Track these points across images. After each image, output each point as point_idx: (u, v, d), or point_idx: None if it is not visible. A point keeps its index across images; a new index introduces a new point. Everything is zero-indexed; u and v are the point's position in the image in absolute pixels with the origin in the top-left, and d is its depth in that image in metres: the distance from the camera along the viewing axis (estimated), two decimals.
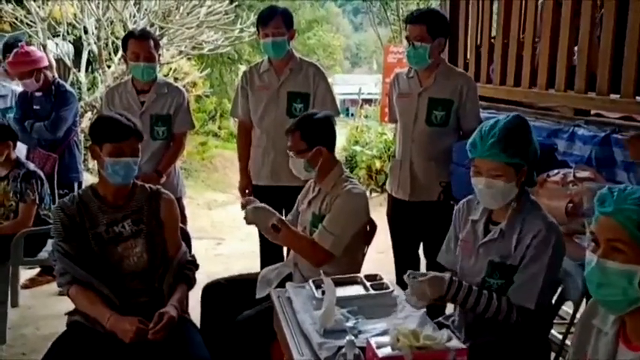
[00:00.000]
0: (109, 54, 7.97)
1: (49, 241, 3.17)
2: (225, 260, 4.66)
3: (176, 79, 8.60)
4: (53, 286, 3.64)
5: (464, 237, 1.99)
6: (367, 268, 2.43)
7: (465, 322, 1.93)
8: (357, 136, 9.66)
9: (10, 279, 3.28)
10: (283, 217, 2.34)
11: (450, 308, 2.24)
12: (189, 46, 8.70)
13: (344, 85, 21.35)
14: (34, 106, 3.88)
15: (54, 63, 4.73)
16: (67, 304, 2.10)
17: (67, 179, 3.93)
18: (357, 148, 9.06)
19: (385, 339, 1.54)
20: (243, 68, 5.72)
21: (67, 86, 4.12)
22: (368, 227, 2.61)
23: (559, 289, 2.00)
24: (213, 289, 2.50)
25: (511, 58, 3.86)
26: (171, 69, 9.06)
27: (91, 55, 8.10)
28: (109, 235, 2.07)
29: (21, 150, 3.82)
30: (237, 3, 10.39)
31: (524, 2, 3.77)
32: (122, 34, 5.43)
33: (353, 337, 1.58)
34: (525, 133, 1.85)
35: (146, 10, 7.88)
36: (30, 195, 3.22)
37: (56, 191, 3.79)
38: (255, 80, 3.16)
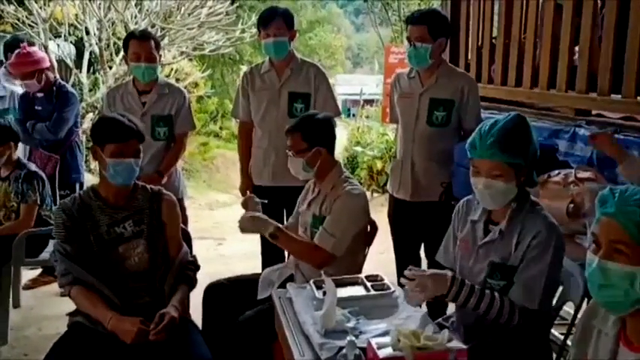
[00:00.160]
0: (111, 55, 7.98)
1: (51, 242, 3.18)
2: (226, 261, 4.66)
3: (177, 80, 8.62)
4: (55, 287, 3.65)
5: (463, 237, 1.99)
6: (368, 268, 2.43)
7: (464, 323, 1.92)
8: (359, 136, 9.66)
9: (11, 279, 3.28)
10: (280, 225, 2.33)
11: (450, 308, 2.24)
12: (190, 47, 8.71)
13: (345, 85, 21.35)
14: (36, 107, 3.88)
15: (55, 64, 4.74)
16: (69, 305, 2.10)
17: (68, 180, 3.93)
18: (359, 148, 9.06)
19: (386, 339, 1.54)
20: (244, 69, 5.72)
21: (69, 87, 4.12)
22: (369, 228, 2.61)
23: (559, 290, 2.00)
24: (215, 290, 2.51)
25: (512, 59, 3.87)
26: (172, 70, 9.07)
27: (93, 55, 8.12)
28: (110, 235, 2.07)
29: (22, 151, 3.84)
30: (238, 4, 10.41)
31: (525, 3, 3.77)
32: (124, 34, 5.42)
33: (354, 338, 1.59)
34: (525, 132, 1.84)
35: (147, 10, 7.89)
36: (31, 196, 3.23)
37: (57, 192, 3.80)
38: (256, 81, 3.16)
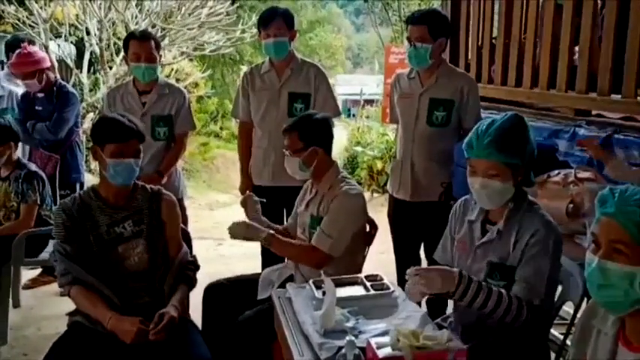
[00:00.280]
0: (111, 55, 7.99)
1: (51, 242, 3.18)
2: (226, 261, 4.66)
3: (178, 80, 8.62)
4: (54, 287, 3.65)
5: (460, 238, 1.98)
6: (368, 268, 2.43)
7: (462, 323, 1.92)
8: (359, 136, 9.67)
9: (11, 279, 3.28)
10: (271, 231, 2.33)
11: (449, 308, 2.24)
12: (190, 47, 8.72)
13: (345, 85, 21.36)
14: (36, 107, 3.88)
15: (56, 64, 4.75)
16: (69, 305, 2.11)
17: (68, 180, 3.94)
18: (359, 148, 9.06)
19: (385, 339, 1.54)
20: (244, 69, 5.73)
21: (69, 87, 4.12)
22: (368, 228, 2.61)
23: (559, 289, 2.00)
24: (215, 290, 2.51)
25: (512, 59, 3.87)
26: (172, 70, 9.08)
27: (93, 56, 8.13)
28: (109, 235, 2.07)
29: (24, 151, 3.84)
30: (238, 4, 10.42)
31: (525, 3, 3.77)
32: (124, 35, 5.42)
33: (353, 338, 1.58)
34: (522, 132, 1.83)
35: (148, 11, 7.89)
36: (31, 196, 3.23)
37: (58, 192, 3.80)
38: (256, 81, 3.16)
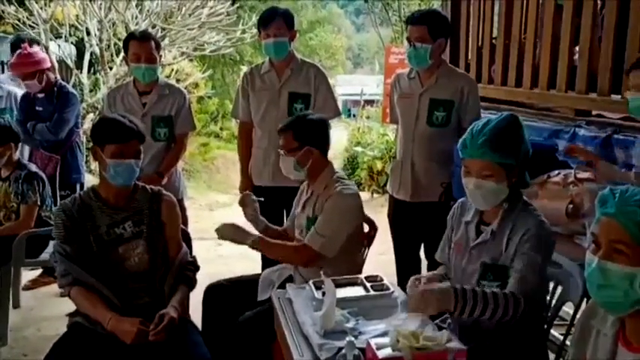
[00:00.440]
0: (111, 55, 8.00)
1: (51, 243, 3.18)
2: (226, 261, 4.66)
3: (178, 81, 8.63)
4: (54, 288, 3.65)
5: (457, 239, 1.98)
6: (368, 269, 2.43)
7: (460, 324, 1.92)
8: (359, 136, 9.67)
9: (11, 280, 3.28)
10: (259, 234, 2.32)
11: None
12: (190, 48, 8.72)
13: (346, 85, 21.36)
14: (37, 108, 3.88)
15: (56, 64, 4.75)
16: (69, 306, 2.11)
17: (69, 180, 3.94)
18: (359, 148, 9.07)
19: (385, 340, 1.54)
20: (244, 69, 5.73)
21: (70, 87, 4.12)
22: (368, 228, 2.61)
23: (559, 290, 2.00)
24: (215, 291, 2.51)
25: (512, 59, 3.87)
26: (173, 70, 9.08)
27: (93, 56, 8.13)
28: (109, 236, 2.07)
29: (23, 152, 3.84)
30: (238, 4, 10.42)
31: (525, 3, 3.77)
32: (124, 35, 5.41)
33: (353, 338, 1.58)
34: (517, 132, 1.82)
35: (148, 11, 7.90)
36: (31, 196, 3.23)
37: (58, 192, 3.80)
38: (256, 81, 3.16)
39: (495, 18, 4.16)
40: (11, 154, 3.27)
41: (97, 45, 7.80)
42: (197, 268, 2.25)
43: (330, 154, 3.24)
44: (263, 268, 2.71)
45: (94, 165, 6.86)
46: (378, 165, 8.21)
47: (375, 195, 8.19)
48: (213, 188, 10.59)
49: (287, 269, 2.45)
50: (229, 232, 2.27)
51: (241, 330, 2.22)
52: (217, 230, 2.29)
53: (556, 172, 2.76)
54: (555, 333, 2.22)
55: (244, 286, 2.47)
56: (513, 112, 1.93)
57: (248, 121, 3.22)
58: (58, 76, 4.22)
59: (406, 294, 1.98)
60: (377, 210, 5.89)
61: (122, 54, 5.38)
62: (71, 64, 7.86)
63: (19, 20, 7.53)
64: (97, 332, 1.96)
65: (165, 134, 3.22)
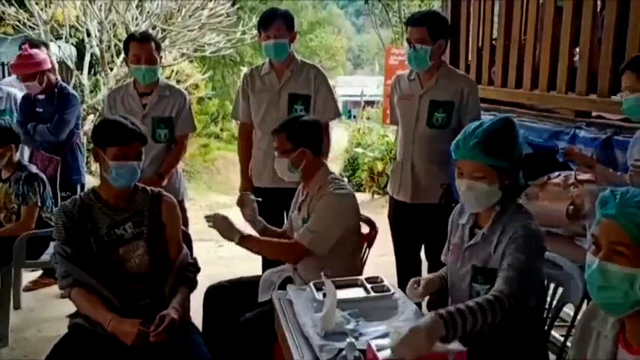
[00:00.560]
0: (112, 56, 8.01)
1: (52, 244, 3.17)
2: (226, 263, 4.66)
3: (178, 82, 8.64)
4: (55, 289, 3.65)
5: (454, 241, 1.99)
6: (369, 270, 2.43)
7: None
8: (359, 138, 9.68)
9: (12, 281, 3.28)
10: (246, 232, 2.30)
11: None
12: (191, 49, 8.73)
13: (346, 86, 21.38)
14: (37, 109, 3.89)
15: (56, 65, 4.76)
16: (69, 307, 2.11)
17: (69, 182, 3.94)
18: (359, 150, 9.07)
19: (386, 341, 1.54)
20: (244, 70, 5.73)
21: (70, 89, 4.12)
22: (369, 229, 2.61)
23: (559, 291, 2.00)
24: (216, 292, 2.51)
25: (512, 60, 3.87)
26: (173, 71, 9.09)
27: (94, 57, 8.14)
28: (110, 237, 2.07)
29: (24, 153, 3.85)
30: (238, 5, 10.42)
31: (525, 4, 3.77)
32: (124, 36, 5.42)
33: (353, 340, 1.59)
34: (510, 135, 1.81)
35: (148, 12, 7.91)
36: (32, 198, 3.23)
37: (58, 194, 3.81)
38: (256, 82, 3.16)
39: (495, 19, 4.17)
40: (12, 156, 3.27)
41: (98, 46, 7.81)
42: (198, 269, 2.25)
43: (331, 155, 3.25)
44: (264, 270, 2.71)
45: (95, 166, 6.87)
46: (379, 166, 8.22)
47: (375, 196, 8.19)
48: (214, 189, 10.61)
49: (287, 271, 2.45)
50: (220, 224, 2.26)
51: (242, 331, 2.22)
52: (209, 217, 2.29)
53: (556, 173, 2.77)
54: (556, 334, 2.22)
55: (245, 287, 2.47)
56: (509, 115, 1.92)
57: (248, 122, 3.22)
58: (59, 78, 4.22)
59: (405, 295, 1.99)
60: (377, 211, 5.89)
61: (122, 55, 5.39)
62: (71, 66, 7.87)
63: (19, 21, 7.54)
64: (97, 333, 1.96)
65: (166, 135, 3.22)
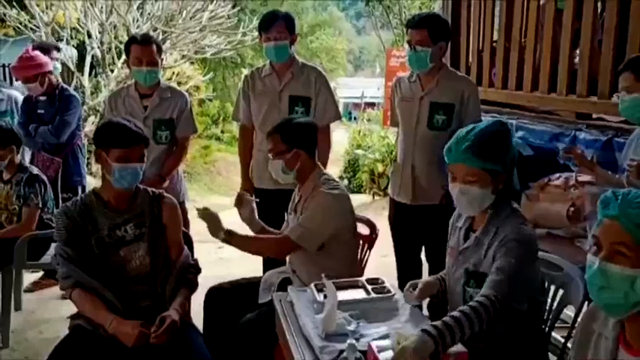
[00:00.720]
0: (112, 58, 8.01)
1: (53, 245, 3.18)
2: (227, 264, 4.67)
3: (179, 83, 8.65)
4: (56, 290, 3.65)
5: (451, 244, 1.99)
6: (370, 271, 2.43)
7: None
8: (360, 139, 9.70)
9: (13, 282, 3.28)
10: (231, 229, 2.29)
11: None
12: (192, 50, 8.74)
13: (347, 88, 21.40)
14: (38, 111, 3.89)
15: (59, 67, 4.75)
16: (70, 308, 2.11)
17: (70, 183, 3.94)
18: (360, 151, 9.08)
19: (386, 343, 1.54)
20: (245, 72, 5.74)
21: (71, 90, 4.13)
22: (370, 231, 2.61)
23: (560, 293, 2.00)
24: (217, 293, 2.51)
25: (513, 62, 3.87)
26: (174, 73, 9.10)
27: (95, 59, 8.14)
28: (111, 238, 2.07)
29: (25, 154, 3.85)
30: (239, 7, 10.43)
31: (525, 6, 3.77)
32: (125, 38, 5.45)
33: (354, 341, 1.59)
34: (503, 139, 1.81)
35: (149, 14, 7.92)
36: (33, 199, 3.24)
37: (60, 195, 3.81)
38: (257, 84, 3.17)
39: (496, 21, 4.17)
40: (13, 157, 3.27)
41: (99, 48, 7.82)
42: (198, 270, 2.25)
43: (331, 157, 3.25)
44: (264, 271, 2.71)
45: (96, 167, 6.88)
46: (379, 168, 8.22)
47: (376, 197, 8.20)
48: (215, 191, 10.61)
49: (287, 272, 2.46)
50: (208, 219, 2.26)
51: (243, 332, 2.22)
52: (199, 210, 2.29)
53: (557, 175, 2.78)
54: (557, 336, 2.23)
55: (245, 288, 2.47)
56: (502, 119, 1.92)
57: (249, 123, 3.22)
58: (60, 79, 4.23)
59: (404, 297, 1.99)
60: (378, 212, 5.90)
61: (123, 57, 5.40)
62: (72, 67, 7.87)
63: (20, 23, 7.55)
64: (98, 335, 1.96)
65: (167, 137, 3.22)
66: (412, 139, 2.94)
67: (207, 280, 2.44)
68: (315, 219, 2.27)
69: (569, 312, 2.07)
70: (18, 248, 3.09)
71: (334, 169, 9.26)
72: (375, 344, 1.54)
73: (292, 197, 2.55)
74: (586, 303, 1.85)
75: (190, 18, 8.22)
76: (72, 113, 3.90)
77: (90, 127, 6.90)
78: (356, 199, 8.07)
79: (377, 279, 2.06)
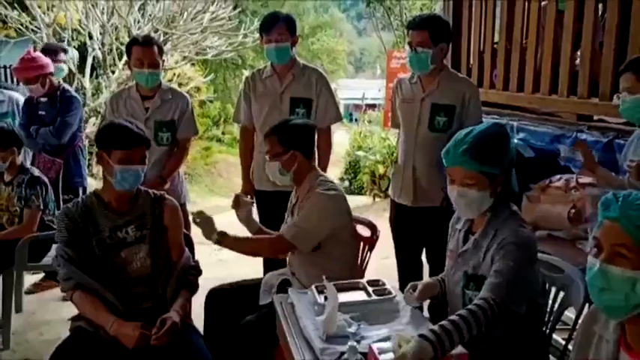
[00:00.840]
0: (114, 59, 8.03)
1: (54, 247, 3.18)
2: (228, 265, 4.67)
3: (180, 85, 8.65)
4: (57, 292, 3.64)
5: (451, 247, 1.99)
6: (371, 273, 2.43)
7: None
8: (361, 141, 9.69)
9: (14, 284, 3.29)
10: (224, 231, 2.29)
11: None
12: (193, 52, 8.75)
13: (348, 90, 21.39)
14: (40, 112, 3.90)
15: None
16: (71, 310, 2.11)
17: (71, 185, 3.95)
18: (361, 153, 9.08)
19: (387, 345, 1.54)
20: (246, 73, 5.74)
21: (72, 92, 4.13)
22: (370, 233, 2.61)
23: (561, 295, 2.00)
24: (217, 295, 2.51)
25: (514, 64, 3.87)
26: (175, 74, 9.11)
27: (96, 60, 8.15)
28: (112, 240, 2.08)
29: (26, 156, 3.85)
30: (240, 9, 10.44)
31: (526, 7, 3.78)
32: (126, 39, 5.45)
33: (355, 343, 1.59)
34: (501, 142, 1.81)
35: (150, 15, 7.93)
36: (34, 200, 3.24)
37: (61, 197, 3.81)
38: (258, 85, 3.17)
39: (497, 22, 4.17)
40: (14, 158, 3.28)
41: (100, 49, 7.83)
42: (199, 272, 2.25)
43: (332, 159, 3.25)
44: (265, 273, 2.71)
45: (97, 169, 6.89)
46: (380, 169, 8.22)
47: (376, 199, 8.19)
48: (216, 192, 10.61)
49: (286, 274, 2.45)
50: (202, 222, 2.26)
51: (243, 334, 2.22)
52: (194, 214, 2.29)
53: (558, 176, 2.77)
54: (558, 338, 2.22)
55: (246, 290, 2.47)
56: (500, 121, 1.92)
57: (250, 125, 3.22)
58: (61, 80, 4.23)
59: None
60: (379, 214, 5.89)
61: (124, 58, 5.41)
62: (74, 69, 7.88)
63: (21, 25, 7.56)
64: (99, 336, 1.96)
65: (168, 139, 3.22)
66: (413, 140, 2.94)
67: (207, 281, 2.44)
68: (310, 219, 2.27)
69: (569, 314, 2.07)
70: (19, 250, 3.09)
71: (335, 170, 9.26)
72: (375, 346, 1.54)
73: (290, 199, 2.55)
74: (587, 305, 1.85)
75: (191, 19, 8.23)
76: (73, 114, 3.90)
77: (91, 128, 6.91)
78: (357, 201, 8.07)
79: (378, 281, 2.06)
